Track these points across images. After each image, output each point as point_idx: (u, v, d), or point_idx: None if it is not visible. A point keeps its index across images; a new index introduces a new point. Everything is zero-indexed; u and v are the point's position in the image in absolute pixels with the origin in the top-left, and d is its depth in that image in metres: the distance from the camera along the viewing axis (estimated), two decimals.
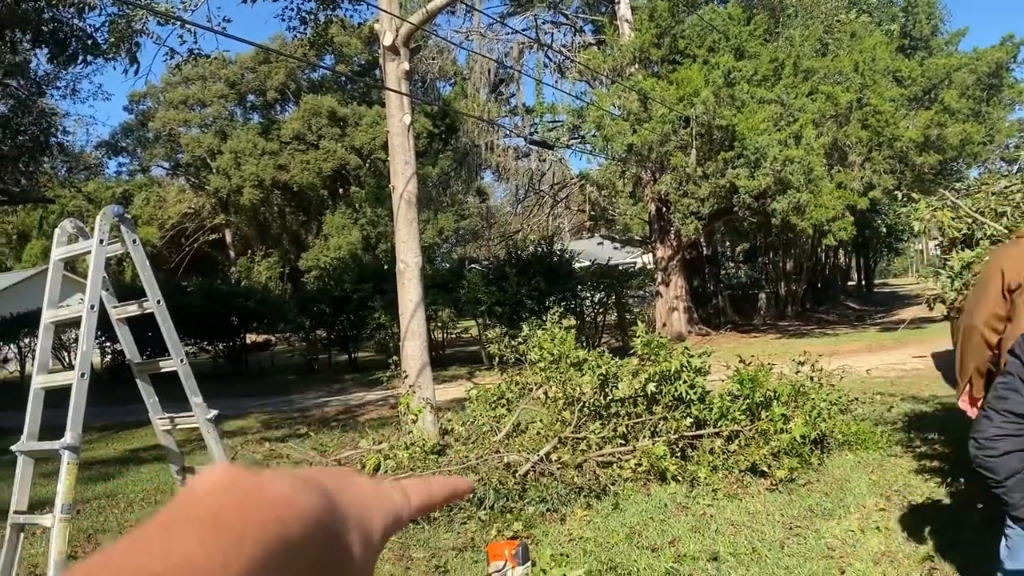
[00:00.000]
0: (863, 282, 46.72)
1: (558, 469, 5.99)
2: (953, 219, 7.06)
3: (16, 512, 3.51)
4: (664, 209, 20.15)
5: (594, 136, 18.81)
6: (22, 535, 3.57)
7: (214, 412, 4.06)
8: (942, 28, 27.48)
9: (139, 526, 0.32)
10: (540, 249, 21.12)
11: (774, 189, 16.03)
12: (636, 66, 18.63)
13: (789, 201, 15.80)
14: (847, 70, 16.79)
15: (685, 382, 6.28)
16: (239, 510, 0.33)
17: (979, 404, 3.25)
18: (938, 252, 8.23)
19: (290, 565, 0.34)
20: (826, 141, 16.31)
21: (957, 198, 7.37)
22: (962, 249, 5.70)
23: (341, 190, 41.51)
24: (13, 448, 3.54)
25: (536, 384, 7.00)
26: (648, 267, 23.73)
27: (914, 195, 8.65)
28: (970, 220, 6.00)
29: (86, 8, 14.46)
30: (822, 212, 15.74)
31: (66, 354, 21.76)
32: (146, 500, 7.13)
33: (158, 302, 3.89)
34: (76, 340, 20.72)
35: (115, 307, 3.98)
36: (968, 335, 3.23)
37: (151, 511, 6.62)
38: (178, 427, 4.12)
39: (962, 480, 5.36)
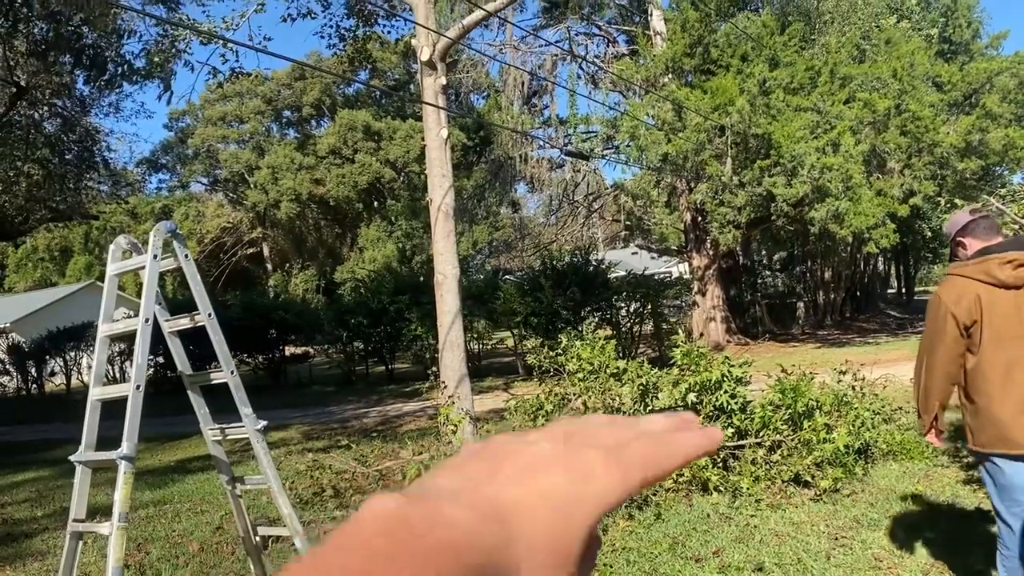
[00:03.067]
0: (903, 289, 45.92)
1: None
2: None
3: (75, 520, 3.61)
4: (700, 218, 20.05)
5: (628, 146, 18.78)
6: (80, 543, 3.67)
7: (263, 423, 4.13)
8: (982, 32, 27.06)
9: (306, 562, 0.32)
10: (575, 259, 21.13)
11: (812, 197, 15.86)
12: (669, 76, 18.60)
13: (828, 209, 15.62)
14: (885, 76, 16.58)
15: (726, 392, 6.25)
16: (408, 551, 0.32)
17: (942, 436, 3.62)
18: None
19: None
20: (864, 148, 16.09)
21: (1002, 204, 7.26)
22: None
23: (376, 203, 41.92)
24: (72, 458, 3.64)
25: (575, 395, 7.01)
26: (684, 276, 23.60)
27: (957, 201, 8.55)
28: (1016, 226, 5.92)
29: (126, 34, 14.87)
30: (862, 220, 15.53)
31: (110, 367, 22.20)
32: (193, 510, 7.26)
33: (209, 315, 3.98)
34: (120, 353, 21.20)
35: (167, 320, 4.07)
36: (932, 375, 3.41)
37: (198, 520, 6.76)
38: (228, 437, 4.20)
39: None
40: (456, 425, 7.64)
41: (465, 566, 0.32)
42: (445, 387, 8.35)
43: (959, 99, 18.13)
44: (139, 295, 3.99)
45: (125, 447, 3.43)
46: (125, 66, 15.06)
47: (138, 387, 3.54)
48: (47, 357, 24.24)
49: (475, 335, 20.28)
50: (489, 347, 22.36)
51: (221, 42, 9.95)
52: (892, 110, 16.27)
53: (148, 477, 8.86)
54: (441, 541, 0.33)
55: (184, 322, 4.07)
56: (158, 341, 4.08)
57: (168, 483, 8.73)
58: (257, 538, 4.40)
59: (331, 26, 11.05)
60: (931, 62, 17.93)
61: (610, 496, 0.38)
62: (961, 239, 3.44)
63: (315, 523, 6.13)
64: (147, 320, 3.64)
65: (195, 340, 4.19)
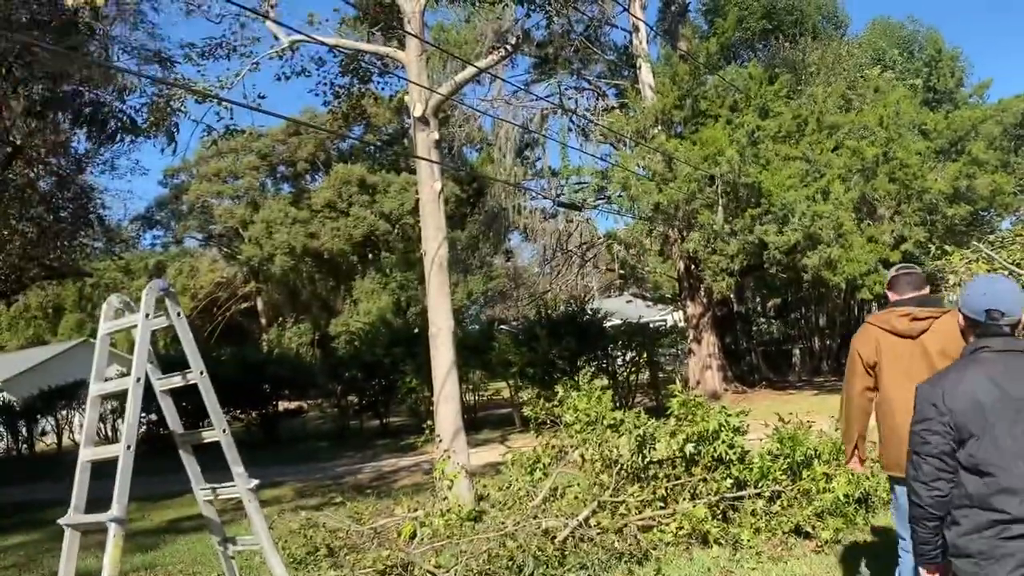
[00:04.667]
0: None
1: (598, 534, 5.90)
2: (989, 271, 7.01)
3: None
4: (693, 266, 20.14)
5: (620, 196, 18.96)
6: None
7: (255, 482, 4.08)
8: (966, 81, 27.61)
9: None
10: (570, 309, 21.12)
11: (804, 244, 15.97)
12: (659, 127, 18.87)
13: (820, 256, 15.72)
14: (872, 124, 16.85)
15: (724, 442, 6.20)
16: None
17: (865, 463, 4.41)
18: None
19: None
20: (854, 195, 16.27)
21: (992, 250, 7.32)
22: None
23: (371, 255, 42.01)
24: (60, 521, 3.58)
25: (572, 447, 6.94)
26: (679, 324, 23.59)
27: (947, 247, 8.61)
28: (1006, 272, 5.95)
29: (126, 91, 15.05)
30: (854, 266, 15.62)
31: (102, 425, 21.94)
32: (184, 572, 7.12)
33: (201, 373, 3.96)
34: (112, 411, 20.99)
35: (159, 379, 4.05)
36: (849, 405, 4.02)
37: None
38: (219, 496, 4.15)
39: None
40: (452, 480, 7.55)
41: None
42: (440, 441, 8.26)
43: (945, 146, 18.41)
44: (131, 351, 3.97)
45: (115, 509, 3.38)
46: (126, 119, 15.22)
47: (128, 447, 3.50)
48: (38, 416, 23.96)
49: (470, 386, 20.14)
50: (485, 398, 22.20)
51: (216, 101, 10.08)
52: (880, 157, 16.50)
53: (138, 538, 8.69)
54: None
55: (176, 380, 4.05)
56: (150, 399, 4.05)
57: (159, 544, 8.56)
58: None
59: (325, 84, 11.22)
60: (917, 110, 18.27)
61: None
62: (886, 291, 4.04)
63: None
64: (139, 379, 3.62)
65: (187, 395, 4.15)
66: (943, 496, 2.48)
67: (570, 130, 22.86)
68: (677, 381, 11.36)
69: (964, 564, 2.43)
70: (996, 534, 2.34)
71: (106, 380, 3.92)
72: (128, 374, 3.67)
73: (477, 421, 19.19)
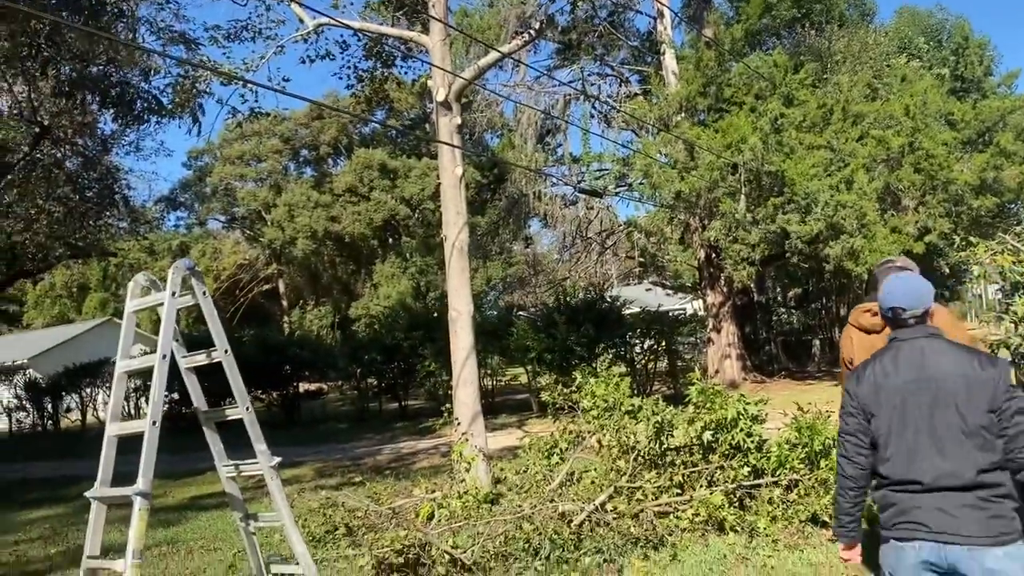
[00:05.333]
0: None
1: (614, 519, 5.93)
2: (1015, 263, 6.93)
3: (90, 557, 3.61)
4: (714, 255, 20.04)
5: (641, 184, 18.87)
6: None
7: (277, 459, 4.14)
8: (994, 70, 27.18)
9: None
10: (589, 296, 21.10)
11: (826, 234, 15.84)
12: (682, 115, 18.73)
13: (842, 246, 15.59)
14: (898, 114, 16.64)
15: (742, 430, 6.20)
16: None
17: None
18: (999, 296, 8.04)
19: None
20: (878, 185, 16.09)
21: (1018, 241, 7.23)
22: None
23: (391, 240, 42.15)
24: (87, 494, 3.66)
25: (589, 432, 6.96)
26: (699, 313, 23.50)
27: (972, 239, 8.51)
28: None
29: (152, 71, 15.17)
30: (877, 257, 15.47)
31: (125, 403, 22.26)
32: (206, 547, 7.24)
33: (226, 351, 4.02)
34: (136, 389, 21.28)
35: (184, 357, 4.12)
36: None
37: (211, 558, 6.73)
38: (242, 473, 4.21)
39: None
40: (469, 463, 7.61)
41: None
42: (459, 424, 8.32)
43: (972, 137, 18.15)
44: (154, 332, 4.04)
45: (141, 483, 3.45)
46: (152, 101, 15.36)
47: (154, 423, 3.56)
48: (63, 393, 24.35)
49: (489, 371, 20.22)
50: (503, 383, 22.29)
51: (241, 83, 10.13)
52: (906, 147, 16.30)
53: (161, 514, 8.84)
54: None
55: (201, 358, 4.11)
56: (174, 377, 4.11)
57: (182, 520, 8.71)
58: None
59: (349, 67, 11.24)
60: (944, 100, 18.00)
61: None
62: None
63: (327, 561, 6.09)
64: (164, 356, 3.68)
65: (210, 376, 4.21)
66: (863, 469, 2.84)
67: (592, 116, 22.74)
68: (696, 370, 11.36)
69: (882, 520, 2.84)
70: (883, 495, 2.80)
71: (131, 358, 3.98)
72: (151, 353, 3.73)
73: (495, 406, 19.27)
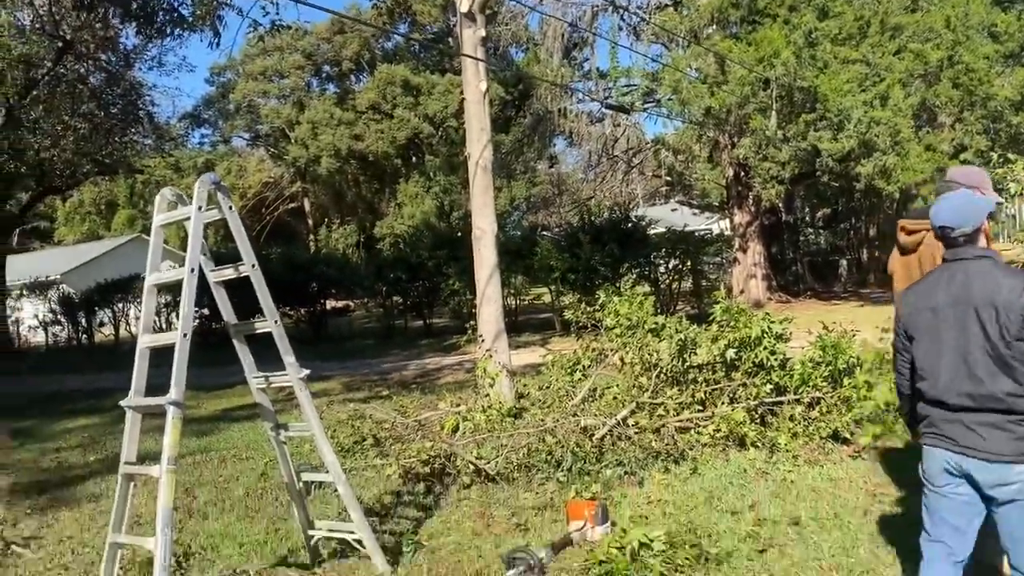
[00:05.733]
0: None
1: (635, 433, 6.02)
2: None
3: (127, 463, 3.74)
4: (743, 174, 19.71)
5: (670, 100, 18.45)
6: (132, 484, 3.81)
7: (306, 371, 4.22)
8: None
9: None
10: (614, 215, 20.95)
11: (858, 152, 15.47)
12: (714, 27, 18.14)
13: (874, 164, 15.24)
14: (938, 26, 15.96)
15: (766, 348, 6.20)
16: None
17: None
18: None
19: None
20: (914, 102, 15.59)
21: None
22: None
23: (414, 159, 41.88)
24: (122, 403, 3.76)
25: (612, 350, 7.01)
26: (725, 233, 23.30)
27: (1010, 156, 8.27)
28: None
29: None
30: (910, 175, 15.14)
31: (156, 318, 22.69)
32: (238, 456, 7.48)
33: (253, 266, 4.05)
34: (166, 305, 21.67)
35: (212, 271, 4.15)
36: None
37: (243, 467, 6.95)
38: (272, 385, 4.30)
39: None
40: (493, 378, 7.71)
41: None
42: (482, 341, 8.40)
43: (1016, 50, 17.40)
44: (182, 249, 4.06)
45: (173, 392, 3.53)
46: (174, 13, 15.15)
47: (185, 335, 3.62)
48: (96, 308, 24.86)
49: (512, 291, 20.32)
50: (526, 303, 22.43)
51: None
52: (944, 62, 15.70)
53: (194, 425, 9.11)
54: None
55: (229, 272, 4.14)
56: (203, 293, 4.15)
57: (214, 431, 8.98)
58: (300, 484, 4.53)
59: None
60: (987, 10, 17.19)
61: None
62: None
63: (356, 470, 6.28)
64: (192, 270, 3.72)
65: (239, 291, 4.25)
66: (908, 381, 3.05)
67: (620, 29, 22.06)
68: (721, 289, 11.32)
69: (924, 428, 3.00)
70: (921, 407, 2.97)
71: (160, 271, 4.03)
72: (182, 267, 3.76)
73: (518, 324, 19.43)
